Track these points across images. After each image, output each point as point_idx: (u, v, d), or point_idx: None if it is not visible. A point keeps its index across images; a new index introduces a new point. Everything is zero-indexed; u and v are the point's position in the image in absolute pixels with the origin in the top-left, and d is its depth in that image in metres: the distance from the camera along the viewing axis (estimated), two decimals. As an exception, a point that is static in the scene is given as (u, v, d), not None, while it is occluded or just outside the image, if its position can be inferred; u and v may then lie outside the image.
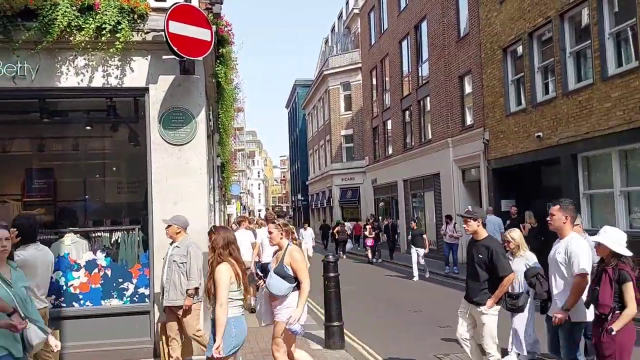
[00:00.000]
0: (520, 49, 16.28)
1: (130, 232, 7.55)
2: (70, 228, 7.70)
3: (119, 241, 7.53)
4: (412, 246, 16.98)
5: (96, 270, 7.23)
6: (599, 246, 4.56)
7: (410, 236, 18.30)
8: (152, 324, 7.04)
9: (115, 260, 7.37)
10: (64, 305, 7.11)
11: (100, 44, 6.72)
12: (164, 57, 6.96)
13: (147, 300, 7.18)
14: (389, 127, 29.01)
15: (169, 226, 6.42)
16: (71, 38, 6.59)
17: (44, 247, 5.67)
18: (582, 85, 13.22)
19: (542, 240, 11.29)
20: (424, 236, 17.50)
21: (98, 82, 6.94)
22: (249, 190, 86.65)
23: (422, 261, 16.78)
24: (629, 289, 4.31)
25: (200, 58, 6.76)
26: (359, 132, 37.35)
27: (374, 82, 31.61)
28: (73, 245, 7.29)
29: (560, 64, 13.93)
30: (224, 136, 13.68)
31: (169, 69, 7.05)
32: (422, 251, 16.80)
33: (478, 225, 5.74)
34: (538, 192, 15.82)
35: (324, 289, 7.76)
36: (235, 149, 41.69)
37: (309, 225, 23.95)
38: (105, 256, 7.32)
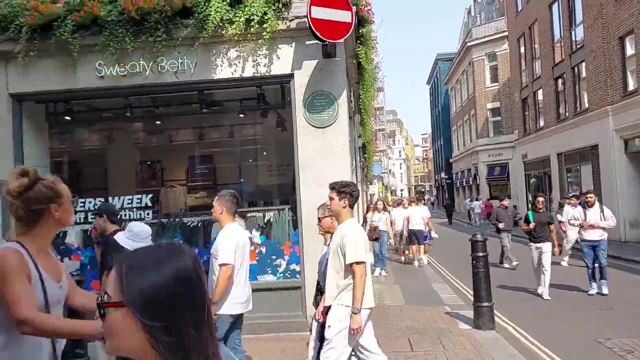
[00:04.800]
0: (696, 0, 14.28)
1: (281, 212, 7.99)
2: (228, 209, 8.33)
3: (271, 220, 8.01)
4: None
5: (252, 248, 7.76)
6: None
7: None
8: (304, 298, 7.39)
9: (269, 238, 7.86)
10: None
11: (249, 35, 7.12)
12: (307, 42, 7.18)
13: (298, 276, 7.54)
14: (540, 97, 27.15)
15: None
16: (224, 32, 7.07)
17: None
18: None
19: None
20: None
21: (249, 71, 7.36)
22: (390, 170, 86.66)
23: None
24: None
25: (342, 40, 6.87)
26: (506, 105, 35.45)
27: (522, 50, 29.70)
28: (231, 224, 7.88)
29: None
30: (364, 116, 13.81)
31: (312, 54, 7.25)
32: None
33: (104, 221, 5.25)
34: None
35: (472, 268, 7.58)
36: (376, 129, 41.83)
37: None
38: (260, 234, 7.84)
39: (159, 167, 10.46)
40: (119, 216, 5.84)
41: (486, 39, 37.24)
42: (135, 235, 4.80)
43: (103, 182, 9.99)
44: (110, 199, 7.91)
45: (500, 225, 13.08)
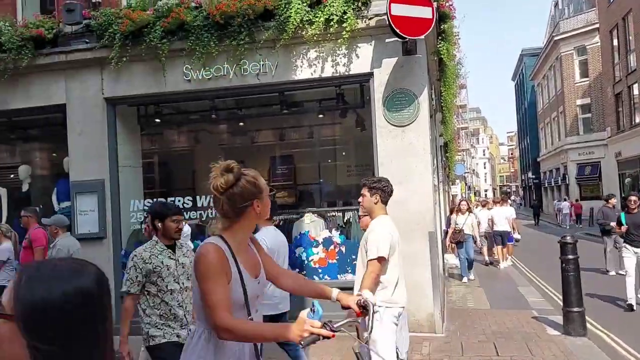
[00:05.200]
0: None
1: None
2: (309, 208, 8.45)
3: (350, 220, 8.01)
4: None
5: (332, 247, 7.80)
6: None
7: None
8: (384, 299, 7.32)
9: (349, 238, 7.86)
10: (306, 278, 7.82)
11: (329, 35, 7.17)
12: (386, 40, 7.12)
13: (378, 276, 7.47)
14: (635, 92, 25.45)
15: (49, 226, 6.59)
16: (303, 33, 7.15)
17: None
18: None
19: None
20: None
21: (328, 72, 7.39)
22: (473, 170, 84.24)
23: None
24: None
25: (422, 37, 6.76)
26: (598, 101, 33.51)
27: (615, 43, 27.97)
28: (312, 224, 7.99)
29: None
30: (446, 114, 13.50)
31: (392, 52, 7.18)
32: None
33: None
34: None
35: (561, 272, 7.21)
36: (459, 128, 40.86)
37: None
38: (339, 234, 7.86)
39: (242, 167, 10.73)
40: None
41: (575, 32, 35.40)
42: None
43: (191, 182, 10.41)
44: (197, 198, 8.21)
45: (613, 223, 11.77)
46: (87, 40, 7.95)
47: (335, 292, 2.62)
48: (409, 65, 7.18)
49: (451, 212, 15.90)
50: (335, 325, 2.14)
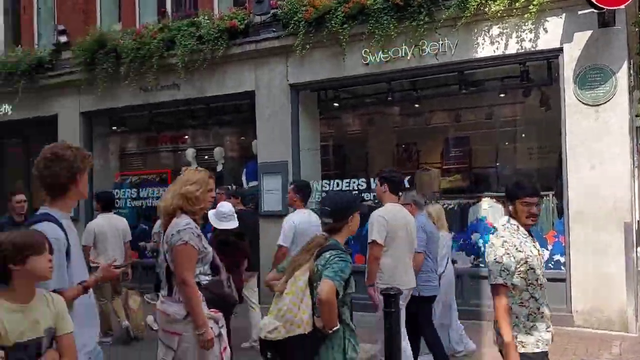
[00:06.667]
0: None
1: (544, 198, 7.49)
2: (487, 193, 8.17)
3: (532, 206, 7.57)
4: None
5: (510, 234, 7.44)
6: None
7: None
8: (569, 291, 6.86)
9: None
10: (482, 265, 7.57)
11: (514, 10, 6.83)
12: (579, 12, 6.63)
13: (562, 267, 7.03)
14: None
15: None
16: (486, 9, 6.92)
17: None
18: None
19: None
20: None
21: (512, 48, 7.07)
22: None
23: None
24: None
25: (623, 6, 6.18)
26: None
27: None
28: (490, 209, 7.72)
29: None
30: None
31: (585, 25, 6.68)
32: None
33: None
34: None
35: None
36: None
37: None
38: (519, 221, 7.47)
39: (415, 149, 10.69)
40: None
41: None
42: (219, 214, 5.28)
43: (364, 164, 10.64)
44: (371, 180, 8.34)
45: None
46: (274, 30, 8.47)
47: None
48: (605, 38, 6.61)
49: None
50: None
